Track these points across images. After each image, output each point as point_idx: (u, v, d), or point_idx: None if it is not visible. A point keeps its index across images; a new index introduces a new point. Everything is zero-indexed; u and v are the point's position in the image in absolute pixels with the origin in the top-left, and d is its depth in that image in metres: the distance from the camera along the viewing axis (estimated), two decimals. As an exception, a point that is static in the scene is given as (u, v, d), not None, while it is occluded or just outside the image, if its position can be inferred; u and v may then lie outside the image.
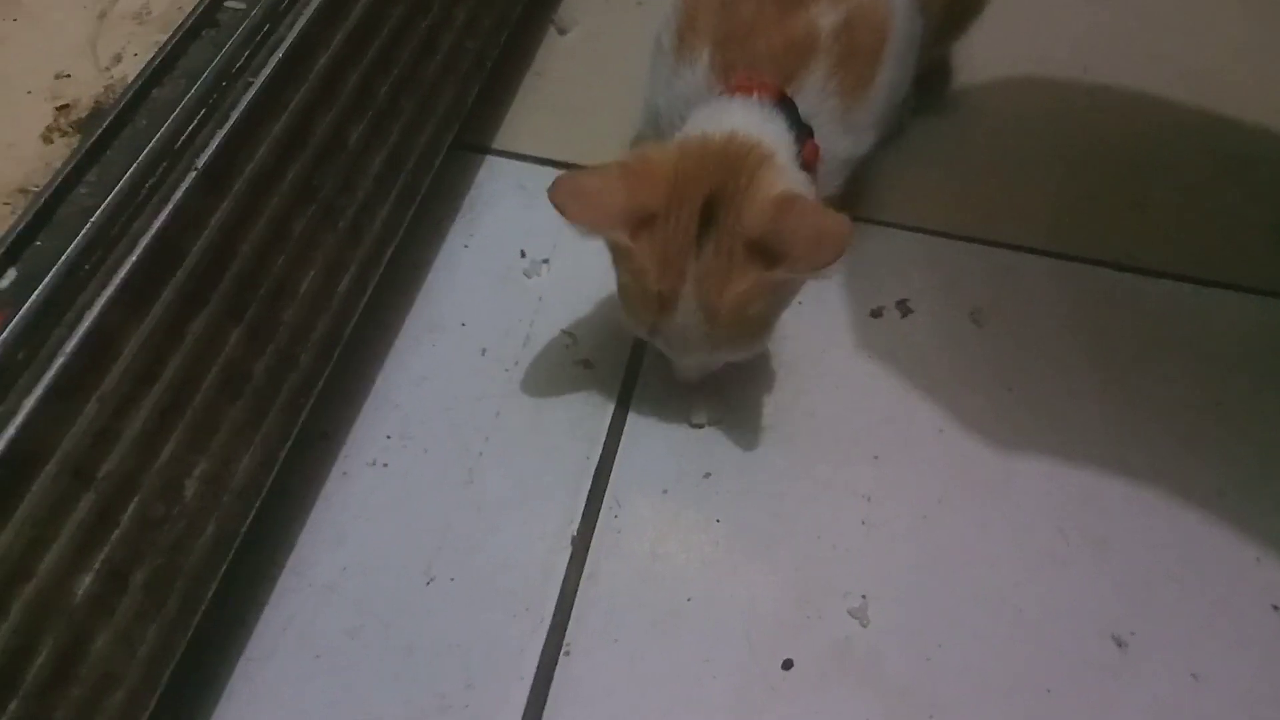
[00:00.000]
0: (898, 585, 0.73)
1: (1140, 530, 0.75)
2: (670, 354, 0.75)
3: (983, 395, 0.82)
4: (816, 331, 0.86)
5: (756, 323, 0.70)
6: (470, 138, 0.98)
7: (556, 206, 0.66)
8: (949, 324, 0.87)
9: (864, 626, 0.71)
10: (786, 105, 0.74)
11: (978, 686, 0.69)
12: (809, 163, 0.75)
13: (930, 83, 1.02)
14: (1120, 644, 0.70)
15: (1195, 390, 0.83)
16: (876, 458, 0.79)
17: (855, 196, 0.91)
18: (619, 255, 0.70)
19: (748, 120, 0.72)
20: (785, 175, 0.70)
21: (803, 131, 0.74)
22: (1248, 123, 1.02)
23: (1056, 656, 0.70)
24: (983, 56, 1.02)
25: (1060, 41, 1.10)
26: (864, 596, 0.72)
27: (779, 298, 0.71)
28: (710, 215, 0.67)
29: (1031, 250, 0.92)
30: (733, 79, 0.75)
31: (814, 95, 0.75)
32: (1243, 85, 1.06)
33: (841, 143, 0.79)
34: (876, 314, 0.87)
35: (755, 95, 0.73)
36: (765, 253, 0.65)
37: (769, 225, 0.65)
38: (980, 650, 0.70)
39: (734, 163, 0.68)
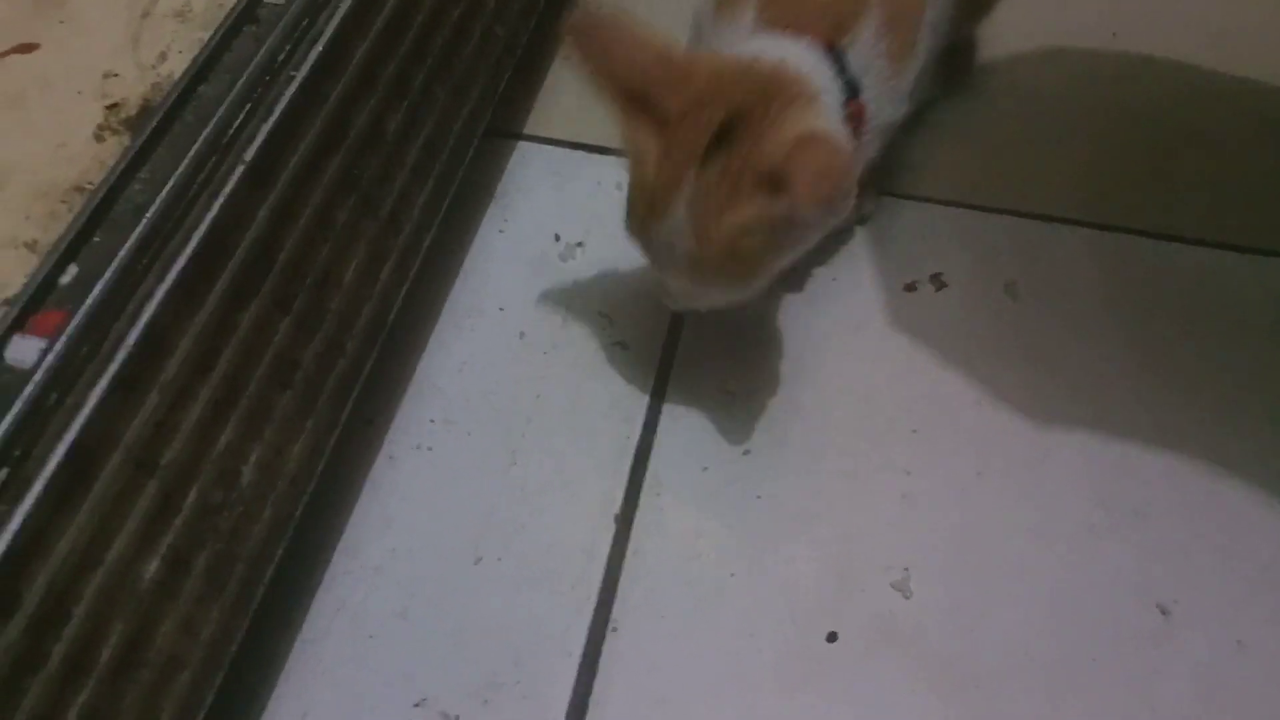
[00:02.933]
0: (939, 558, 0.73)
1: (1180, 499, 0.75)
2: (656, 271, 0.72)
3: (1019, 368, 0.82)
4: (851, 307, 0.86)
5: (747, 261, 0.66)
6: (502, 124, 0.99)
7: (569, 41, 0.63)
8: (984, 297, 0.87)
9: (906, 599, 0.72)
10: (837, 56, 0.70)
11: (1021, 657, 0.69)
12: (854, 121, 0.71)
13: (956, 60, 1.01)
14: (1164, 612, 0.71)
15: (1232, 357, 0.82)
16: (914, 431, 0.79)
17: (886, 171, 0.91)
18: (625, 137, 0.66)
19: (799, 57, 0.67)
20: (823, 118, 0.65)
21: (851, 86, 0.70)
22: (1281, 85, 1.01)
23: (1099, 626, 0.70)
24: (1009, 28, 1.01)
25: (1087, 8, 1.09)
26: (906, 569, 0.73)
27: (776, 240, 0.65)
28: (729, 133, 0.62)
29: (1065, 221, 0.91)
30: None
31: (863, 54, 0.71)
32: (1275, 46, 1.04)
33: (885, 108, 0.75)
34: (911, 288, 0.87)
35: (807, 38, 0.69)
36: (772, 187, 0.60)
37: (783, 161, 0.60)
38: (1023, 621, 0.70)
39: (772, 90, 0.63)
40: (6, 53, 0.58)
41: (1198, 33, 1.06)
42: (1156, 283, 0.87)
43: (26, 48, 0.58)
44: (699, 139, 0.62)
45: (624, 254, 0.83)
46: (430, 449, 0.80)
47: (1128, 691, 0.68)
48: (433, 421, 0.81)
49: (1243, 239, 0.89)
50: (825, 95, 0.67)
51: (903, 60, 0.75)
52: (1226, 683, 0.68)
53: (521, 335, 0.86)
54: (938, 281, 0.88)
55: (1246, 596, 0.71)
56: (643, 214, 0.66)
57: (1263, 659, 0.69)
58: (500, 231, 0.93)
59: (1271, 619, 0.70)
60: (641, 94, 0.64)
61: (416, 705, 0.68)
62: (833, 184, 0.58)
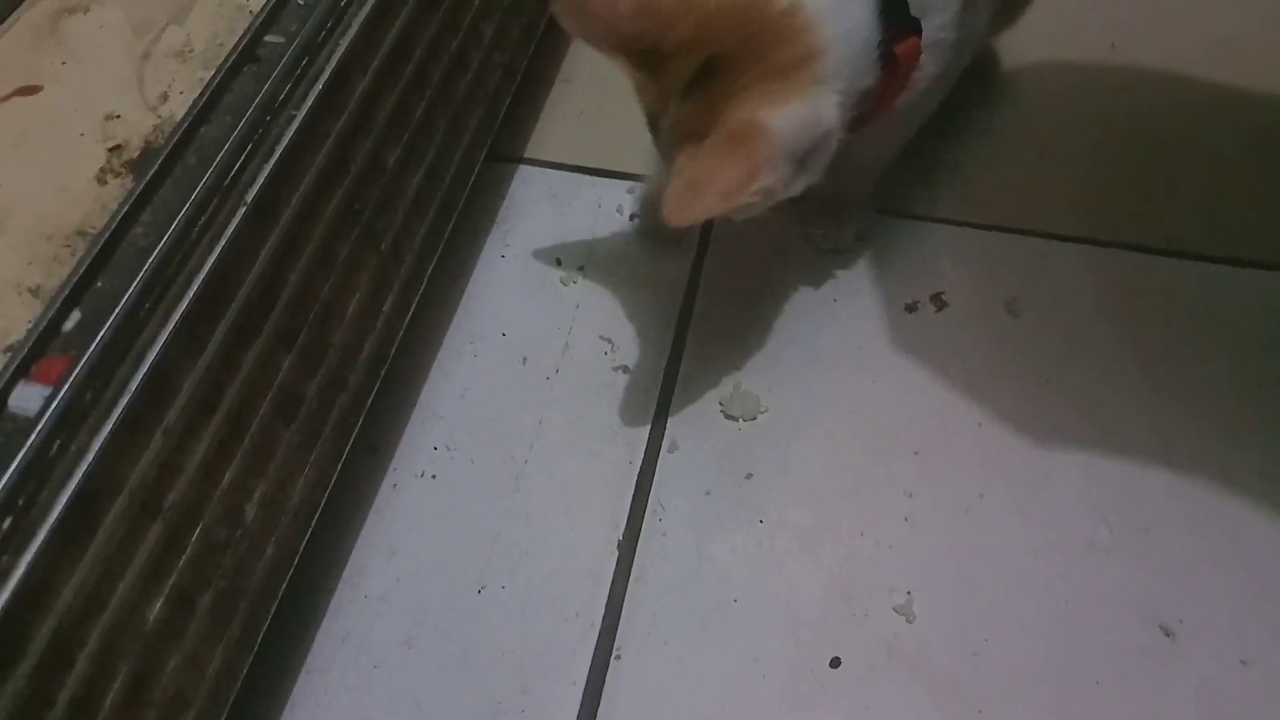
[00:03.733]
0: (942, 580, 0.73)
1: (1184, 517, 0.75)
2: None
3: (1020, 386, 0.82)
4: (852, 328, 0.87)
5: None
6: (503, 149, 0.99)
7: (557, 17, 0.66)
8: (984, 316, 0.87)
9: (910, 622, 0.72)
10: None
11: (1025, 679, 0.69)
12: (902, 63, 0.67)
13: (971, 80, 1.01)
14: (1168, 632, 0.71)
15: (1235, 373, 0.82)
16: (916, 453, 0.79)
17: (884, 189, 0.91)
18: (627, 75, 0.68)
19: None
20: (796, 103, 0.63)
21: (904, 23, 0.66)
22: (1281, 96, 1.01)
23: (1103, 646, 0.70)
24: (1007, 41, 1.01)
25: (1086, 20, 1.09)
26: (909, 592, 0.73)
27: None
28: (710, 72, 0.63)
29: (1065, 238, 0.91)
30: None
31: None
32: (1275, 55, 1.04)
33: (949, 51, 0.71)
34: (911, 308, 0.88)
35: None
36: None
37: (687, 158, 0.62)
38: (1027, 642, 0.71)
39: (765, 41, 0.62)
40: (9, 95, 0.59)
41: (1197, 44, 1.05)
42: (1158, 298, 0.87)
43: (29, 90, 0.59)
44: (681, 77, 0.64)
45: (624, 278, 0.84)
46: (434, 476, 0.80)
47: (1132, 711, 0.68)
48: (436, 449, 0.81)
49: (1244, 253, 0.89)
50: (835, 50, 0.63)
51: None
52: (1231, 702, 0.68)
53: (524, 360, 0.86)
54: (938, 301, 0.88)
55: (1250, 614, 0.71)
56: (647, 126, 0.70)
57: (1267, 677, 0.68)
58: (502, 256, 0.93)
59: (1275, 637, 0.70)
60: (634, 40, 0.65)
61: (422, 735, 0.69)
62: (703, 205, 0.59)
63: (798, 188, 0.66)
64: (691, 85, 0.64)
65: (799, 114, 0.62)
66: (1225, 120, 1.00)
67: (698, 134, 0.63)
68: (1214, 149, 0.98)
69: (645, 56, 0.65)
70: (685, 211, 0.59)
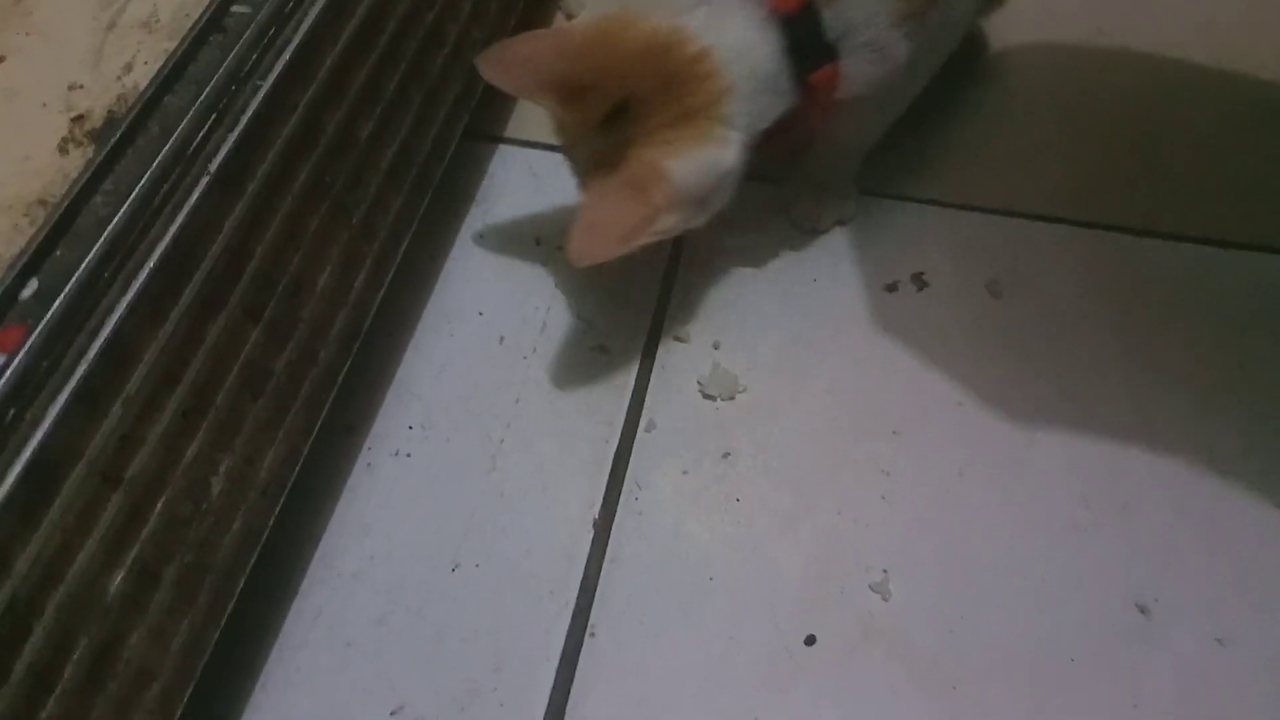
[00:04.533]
0: (919, 559, 0.73)
1: (1164, 495, 0.75)
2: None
3: (1001, 366, 0.82)
4: (832, 308, 0.86)
5: None
6: (482, 127, 0.99)
7: (483, 75, 0.72)
8: (966, 296, 0.86)
9: (886, 600, 0.71)
10: (804, 20, 0.69)
11: (1001, 657, 0.69)
12: (817, 90, 0.71)
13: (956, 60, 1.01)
14: (1144, 611, 0.70)
15: (1217, 353, 0.82)
16: (895, 432, 0.79)
17: (865, 170, 0.91)
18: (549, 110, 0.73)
19: (732, 37, 0.68)
20: (698, 147, 0.68)
21: (816, 55, 0.70)
22: (1266, 77, 1.00)
23: (1080, 625, 0.70)
24: (992, 23, 1.01)
25: (1073, 2, 1.08)
26: (885, 571, 0.73)
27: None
28: (624, 111, 0.68)
29: (1047, 218, 0.91)
30: None
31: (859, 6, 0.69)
32: (1260, 37, 1.03)
33: (875, 65, 0.72)
34: (892, 288, 0.87)
35: (767, 3, 0.69)
36: None
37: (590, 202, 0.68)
38: (1003, 621, 0.70)
39: (677, 86, 0.67)
40: (-28, 66, 0.58)
41: (1183, 27, 1.05)
42: (1139, 279, 0.87)
43: (-8, 60, 0.58)
44: (596, 116, 0.69)
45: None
46: (409, 455, 0.80)
47: (1110, 689, 0.68)
48: (411, 428, 0.81)
49: (1226, 234, 0.89)
50: (742, 90, 0.68)
51: (911, 19, 0.70)
52: (1208, 680, 0.68)
53: (501, 340, 0.86)
54: (919, 281, 0.87)
55: (1228, 593, 0.71)
56: (563, 150, 0.75)
57: (1243, 656, 0.69)
58: (480, 235, 0.93)
59: (1251, 615, 0.70)
60: (556, 81, 0.70)
61: (394, 713, 0.68)
62: (605, 248, 0.65)
63: (700, 221, 0.72)
64: (605, 123, 0.68)
65: (700, 158, 0.68)
66: (1210, 102, 0.99)
67: (603, 173, 0.68)
68: (1198, 130, 0.97)
69: (565, 95, 0.70)
70: (588, 254, 0.65)
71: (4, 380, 0.44)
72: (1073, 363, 0.82)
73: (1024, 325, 0.84)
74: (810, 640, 0.70)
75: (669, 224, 0.67)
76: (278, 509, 0.64)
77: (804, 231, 0.91)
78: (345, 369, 0.71)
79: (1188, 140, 0.96)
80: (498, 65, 0.72)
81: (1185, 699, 0.67)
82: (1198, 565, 0.72)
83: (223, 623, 0.60)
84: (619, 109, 0.68)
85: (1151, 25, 1.05)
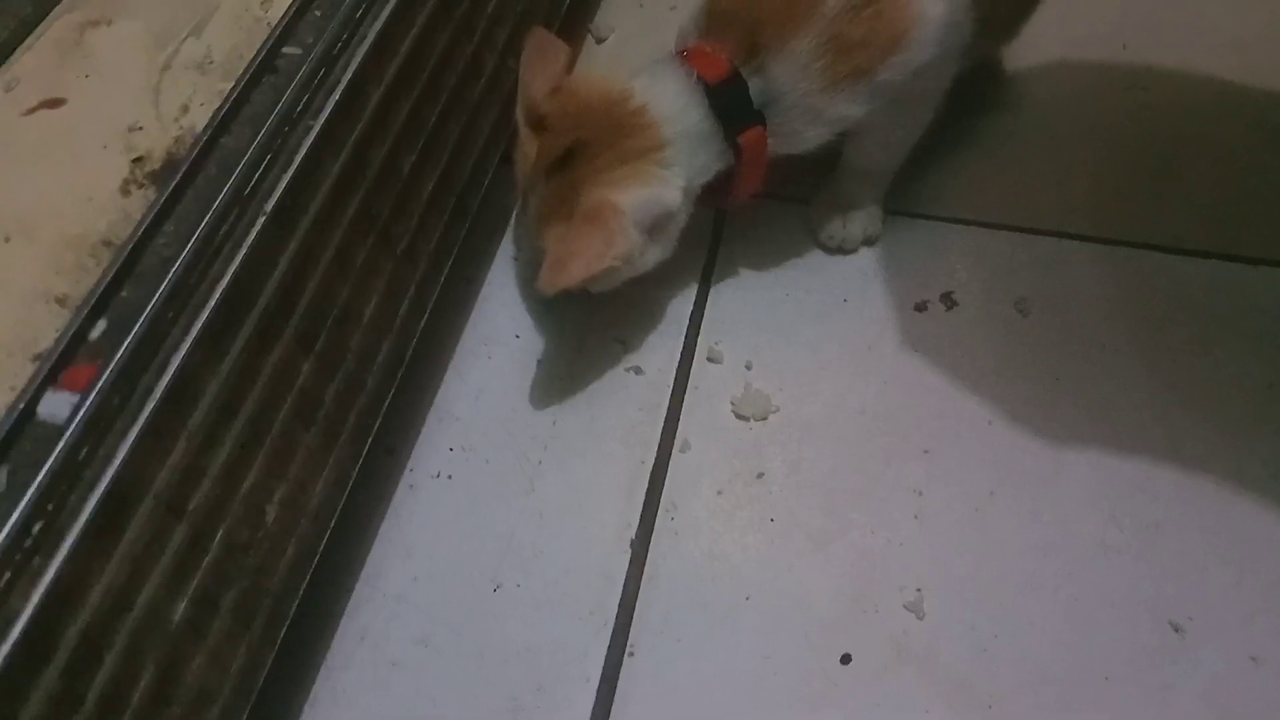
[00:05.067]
0: (952, 578, 0.74)
1: (1194, 515, 0.76)
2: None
3: (1030, 385, 0.83)
4: (862, 328, 0.87)
5: None
6: (516, 152, 1.00)
7: (526, 46, 0.80)
8: (994, 315, 0.87)
9: (920, 619, 0.72)
10: (729, 89, 0.75)
11: (1035, 676, 0.70)
12: (746, 151, 0.77)
13: (980, 80, 1.02)
14: (1177, 629, 0.71)
15: (1246, 372, 0.82)
16: (927, 452, 0.80)
17: (893, 189, 0.92)
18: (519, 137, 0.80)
19: (668, 98, 0.76)
20: (641, 185, 0.74)
21: (743, 119, 0.76)
22: (1294, 95, 1.01)
23: (1113, 643, 0.71)
24: (1016, 42, 1.02)
25: (1097, 19, 1.09)
26: (919, 590, 0.74)
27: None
28: (572, 157, 0.75)
29: (1075, 236, 0.92)
30: (695, 41, 0.78)
31: (789, 71, 0.74)
32: (1287, 54, 1.04)
33: (809, 129, 0.78)
34: (921, 308, 0.88)
35: (695, 71, 0.76)
36: None
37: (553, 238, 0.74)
38: (1036, 639, 0.71)
39: (621, 134, 0.75)
40: (36, 108, 0.60)
41: (1209, 42, 1.06)
42: (1168, 297, 0.87)
43: (54, 103, 0.60)
44: (546, 158, 0.76)
45: (637, 279, 0.85)
46: (450, 477, 0.81)
47: (1142, 708, 0.68)
48: (451, 450, 0.83)
49: (1254, 251, 0.89)
50: (677, 144, 0.75)
51: (848, 82, 0.74)
52: (1240, 699, 0.68)
53: (538, 362, 0.87)
54: (948, 300, 0.88)
55: (1260, 611, 0.72)
56: (521, 192, 0.82)
57: (1277, 674, 0.69)
58: (516, 259, 0.94)
59: (1285, 635, 0.71)
60: (536, 110, 0.78)
61: (438, 731, 0.70)
62: (569, 274, 0.70)
63: (649, 261, 0.79)
64: (555, 168, 0.76)
65: (645, 194, 0.74)
66: (1236, 119, 1.00)
67: (561, 214, 0.75)
68: (1225, 148, 0.98)
69: (536, 122, 0.78)
70: (555, 281, 0.71)
71: (80, 419, 0.46)
72: (1101, 381, 0.83)
73: (1052, 344, 0.85)
74: (846, 659, 0.71)
75: (623, 249, 0.73)
76: (328, 533, 0.66)
77: (832, 252, 0.92)
78: (390, 395, 0.72)
79: (1214, 157, 0.97)
80: (532, 60, 0.80)
81: (1220, 717, 0.68)
82: (1229, 584, 0.73)
83: (278, 645, 0.61)
84: (568, 154, 0.75)
85: (1176, 42, 1.06)
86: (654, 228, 0.76)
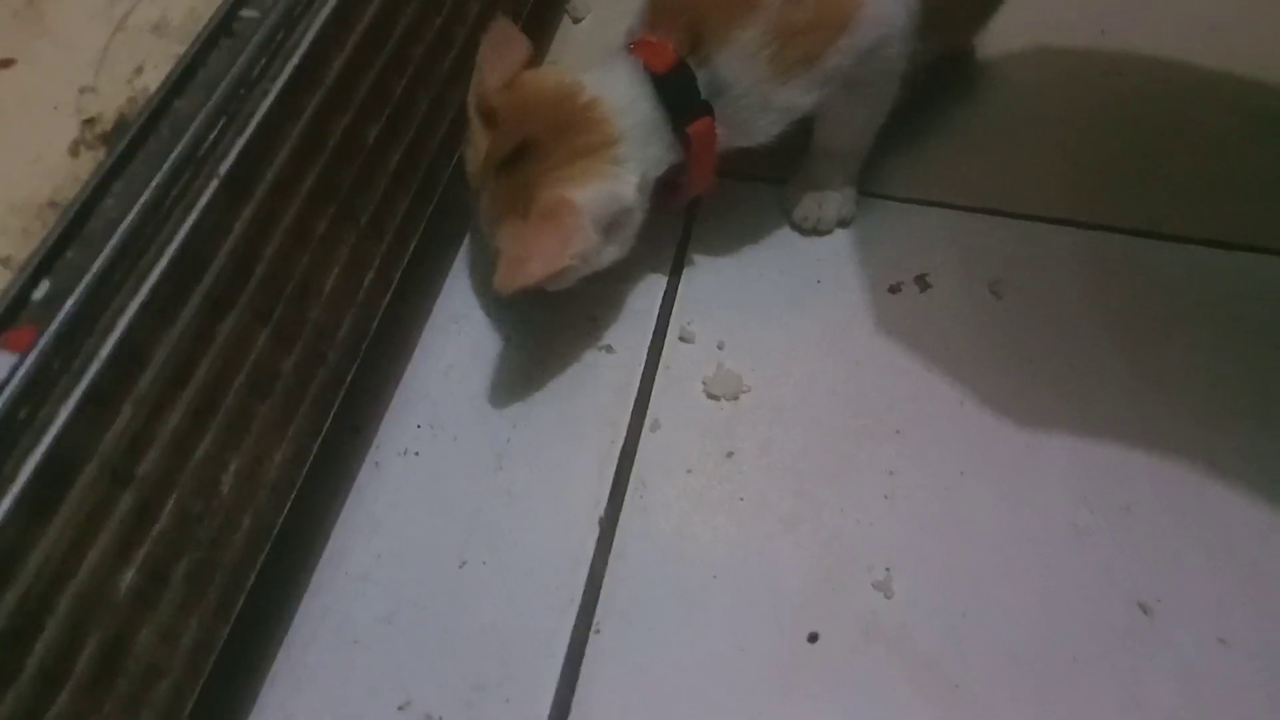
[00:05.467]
0: (922, 558, 0.74)
1: (1165, 497, 0.75)
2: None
3: (1003, 368, 0.82)
4: (835, 309, 0.87)
5: None
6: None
7: (483, 39, 0.78)
8: (968, 298, 0.87)
9: (889, 599, 0.72)
10: (676, 79, 0.75)
11: (1003, 656, 0.69)
12: (695, 143, 0.76)
13: (956, 66, 1.02)
14: (1146, 611, 0.71)
15: (1220, 356, 0.82)
16: (898, 433, 0.80)
17: (867, 172, 0.91)
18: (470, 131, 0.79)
19: (617, 91, 0.75)
20: (597, 182, 0.73)
21: (692, 109, 0.75)
22: (1271, 79, 1.01)
23: (1082, 625, 0.70)
24: (995, 25, 1.01)
25: (1076, 4, 1.08)
26: (888, 569, 0.73)
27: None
28: (523, 154, 0.74)
29: (1051, 220, 0.91)
30: (642, 34, 0.77)
31: (736, 62, 0.74)
32: (1266, 40, 1.04)
33: (761, 118, 0.77)
34: (895, 290, 0.88)
35: (643, 62, 0.75)
36: None
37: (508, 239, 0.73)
38: (1005, 620, 0.71)
39: (572, 130, 0.74)
40: (-15, 69, 0.59)
41: (1187, 29, 1.05)
42: (1142, 281, 0.87)
43: (4, 64, 0.59)
44: (497, 154, 0.75)
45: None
46: (417, 454, 0.80)
47: (1112, 690, 0.68)
48: (419, 426, 0.82)
49: (1229, 236, 0.89)
50: (630, 138, 0.75)
51: (795, 70, 0.74)
52: (1208, 680, 0.68)
53: (508, 339, 0.86)
54: (922, 283, 0.88)
55: (1229, 594, 0.71)
56: (472, 190, 0.80)
57: (1245, 655, 0.69)
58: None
59: (1254, 616, 0.70)
60: (488, 104, 0.77)
61: (400, 708, 0.69)
62: (527, 273, 0.69)
63: (606, 259, 0.78)
64: (504, 166, 0.75)
65: (600, 190, 0.73)
66: (1213, 104, 1.00)
67: (515, 212, 0.74)
68: (1201, 133, 0.97)
69: (489, 116, 0.77)
70: (512, 281, 0.70)
71: (16, 380, 0.45)
72: (1074, 364, 0.82)
73: (1026, 326, 0.85)
74: (813, 637, 0.71)
75: (580, 248, 0.72)
76: (287, 507, 0.65)
77: (806, 233, 0.91)
78: (353, 370, 0.71)
79: (1192, 142, 0.97)
80: (489, 53, 0.78)
81: (1188, 698, 0.67)
82: (1199, 566, 0.72)
83: (232, 620, 0.60)
84: (519, 150, 0.74)
85: (1155, 27, 1.06)
86: (611, 225, 0.75)
